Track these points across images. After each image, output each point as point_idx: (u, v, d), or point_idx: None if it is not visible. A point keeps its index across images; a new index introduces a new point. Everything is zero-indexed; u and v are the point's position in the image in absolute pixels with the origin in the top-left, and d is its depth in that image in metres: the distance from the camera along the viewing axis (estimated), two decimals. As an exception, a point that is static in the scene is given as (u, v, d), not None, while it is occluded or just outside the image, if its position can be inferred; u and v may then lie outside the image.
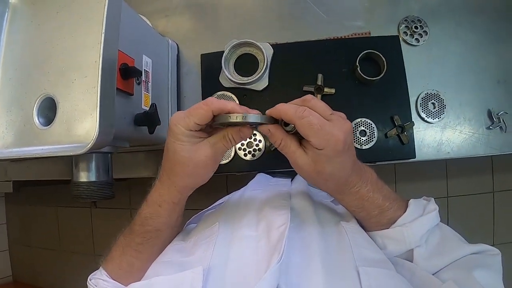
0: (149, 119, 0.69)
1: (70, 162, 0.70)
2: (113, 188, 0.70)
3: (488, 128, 0.83)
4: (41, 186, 1.92)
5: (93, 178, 0.67)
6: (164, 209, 0.53)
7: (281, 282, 0.38)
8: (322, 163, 0.44)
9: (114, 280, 0.56)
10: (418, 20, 0.87)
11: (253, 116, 0.45)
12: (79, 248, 2.18)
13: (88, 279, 0.57)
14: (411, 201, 0.53)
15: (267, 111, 0.47)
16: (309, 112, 0.42)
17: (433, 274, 0.47)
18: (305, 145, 0.46)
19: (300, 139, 0.47)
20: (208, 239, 0.49)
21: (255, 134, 0.85)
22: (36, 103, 0.62)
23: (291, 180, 0.77)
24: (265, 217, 0.51)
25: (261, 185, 0.75)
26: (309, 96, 0.46)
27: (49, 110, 0.63)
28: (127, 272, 0.55)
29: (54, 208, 2.26)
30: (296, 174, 0.78)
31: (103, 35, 0.53)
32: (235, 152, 0.85)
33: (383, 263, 0.45)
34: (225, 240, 0.48)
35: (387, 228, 0.51)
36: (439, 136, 0.84)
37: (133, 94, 0.69)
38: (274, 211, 0.52)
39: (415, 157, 0.82)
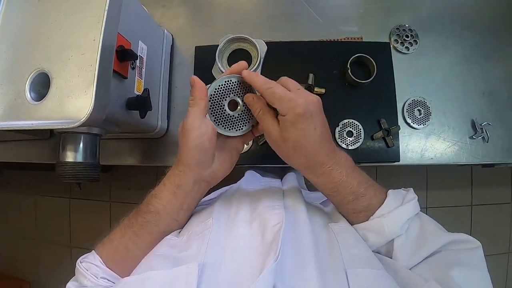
0: (142, 103, 0.69)
1: (56, 145, 0.69)
2: (99, 171, 0.69)
3: (471, 137, 0.86)
4: (23, 170, 1.88)
5: (80, 159, 0.67)
6: (166, 188, 0.54)
7: (276, 282, 0.38)
8: (287, 128, 0.48)
9: (107, 267, 0.54)
10: (410, 29, 0.90)
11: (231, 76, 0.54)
12: (55, 238, 2.15)
13: (78, 261, 0.55)
14: (390, 191, 0.53)
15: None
16: (275, 84, 0.50)
17: (414, 266, 0.48)
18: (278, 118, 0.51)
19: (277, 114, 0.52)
20: (202, 234, 0.49)
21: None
22: (29, 77, 0.62)
23: (281, 180, 0.78)
24: (260, 216, 0.51)
25: (252, 183, 0.75)
26: (284, 78, 0.53)
27: (42, 85, 0.62)
28: (122, 257, 0.54)
29: (33, 196, 2.22)
30: (284, 174, 0.80)
31: (106, 12, 0.53)
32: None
33: (372, 261, 0.45)
34: (219, 236, 0.48)
35: (366, 220, 0.52)
36: (423, 142, 0.86)
37: (127, 78, 0.69)
38: (268, 210, 0.52)
39: (399, 161, 0.84)
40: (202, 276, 0.39)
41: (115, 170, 1.86)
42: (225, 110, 0.54)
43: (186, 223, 0.58)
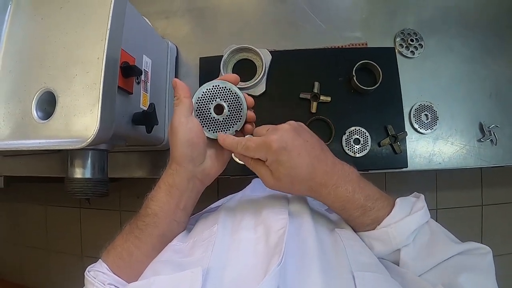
0: (148, 118, 0.69)
1: (65, 159, 0.69)
2: (108, 186, 0.70)
3: (479, 140, 0.85)
4: (32, 183, 1.90)
5: (88, 175, 0.67)
6: (162, 190, 0.55)
7: (279, 285, 0.38)
8: (276, 169, 0.50)
9: (114, 274, 0.55)
10: (414, 33, 0.89)
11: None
12: (67, 248, 2.16)
13: (86, 271, 0.55)
14: (398, 200, 0.52)
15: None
16: (246, 139, 0.52)
17: (421, 274, 0.47)
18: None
19: None
20: (207, 240, 0.49)
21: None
22: (36, 96, 0.62)
23: None
24: (264, 221, 0.51)
25: (257, 190, 0.75)
26: (255, 129, 0.57)
27: (48, 104, 0.63)
28: (126, 262, 0.54)
29: (43, 206, 2.24)
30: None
31: (108, 31, 0.53)
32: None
33: (378, 267, 0.45)
34: (224, 242, 0.48)
35: (373, 229, 0.51)
36: (431, 147, 0.86)
37: (132, 93, 0.69)
38: (272, 215, 0.52)
39: (407, 167, 0.84)
40: (206, 280, 0.39)
41: (124, 179, 1.83)
42: (210, 113, 0.56)
43: (187, 224, 0.59)
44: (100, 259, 0.57)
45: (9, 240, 2.31)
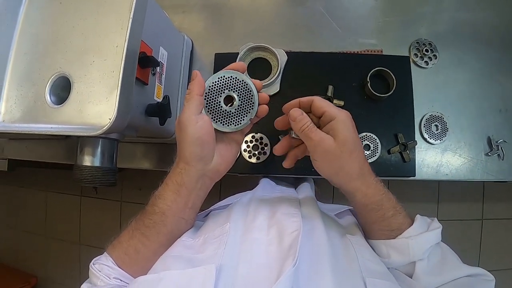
0: (162, 110, 0.69)
1: (72, 146, 0.69)
2: (117, 175, 0.69)
3: (486, 154, 0.86)
4: (35, 168, 1.89)
5: (97, 163, 0.67)
6: (169, 188, 0.53)
7: (293, 287, 0.38)
8: (341, 130, 0.50)
9: (119, 267, 0.54)
10: (429, 43, 0.89)
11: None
12: (65, 235, 2.15)
13: (91, 263, 0.55)
14: (418, 216, 0.54)
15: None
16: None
17: None
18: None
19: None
20: (219, 238, 0.49)
21: (261, 138, 0.86)
22: (50, 80, 0.62)
23: (296, 189, 0.77)
24: (277, 223, 0.51)
25: (267, 190, 0.75)
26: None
27: (61, 89, 0.62)
28: (132, 259, 0.54)
29: (44, 192, 2.23)
30: (297, 184, 0.79)
31: (130, 20, 0.53)
32: (240, 153, 0.85)
33: (387, 276, 0.46)
34: (236, 241, 0.48)
35: (393, 238, 0.52)
36: (439, 157, 0.86)
37: (147, 84, 0.69)
38: (286, 217, 0.52)
39: (415, 175, 0.84)
40: (219, 278, 0.40)
41: (127, 171, 1.83)
42: (221, 106, 0.53)
43: (195, 221, 0.59)
44: (105, 252, 0.57)
45: (7, 224, 2.31)
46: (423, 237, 0.50)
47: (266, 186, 0.78)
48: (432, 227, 0.53)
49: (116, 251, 0.56)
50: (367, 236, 0.56)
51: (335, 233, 0.53)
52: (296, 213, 0.53)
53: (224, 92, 0.53)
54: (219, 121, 0.54)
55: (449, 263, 0.51)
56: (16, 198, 2.31)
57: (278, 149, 0.59)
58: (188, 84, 0.88)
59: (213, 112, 0.53)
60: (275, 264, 0.43)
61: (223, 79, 0.53)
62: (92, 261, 0.56)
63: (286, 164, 0.59)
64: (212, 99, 0.53)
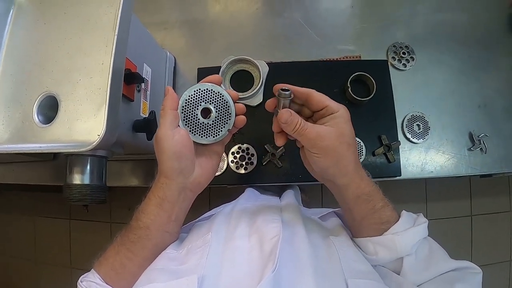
0: (148, 125, 0.70)
1: (59, 167, 0.69)
2: (107, 193, 0.69)
3: (469, 149, 0.88)
4: (21, 191, 1.86)
5: (87, 181, 0.67)
6: (152, 203, 0.54)
7: None
8: (340, 124, 0.50)
9: (107, 284, 0.54)
10: (406, 46, 0.93)
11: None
12: (55, 260, 2.11)
13: (79, 281, 0.55)
14: (404, 212, 0.54)
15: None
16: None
17: (419, 285, 0.49)
18: (315, 121, 0.53)
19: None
20: (201, 248, 0.49)
21: (248, 148, 0.87)
22: (37, 100, 0.62)
23: (280, 198, 0.79)
24: (258, 230, 0.52)
25: (251, 200, 0.76)
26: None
27: (49, 108, 0.63)
28: (118, 274, 0.54)
29: (31, 217, 2.19)
30: (283, 192, 0.81)
31: (115, 37, 0.54)
32: (228, 164, 0.86)
33: (371, 274, 0.47)
34: (218, 250, 0.49)
35: (380, 235, 0.52)
36: (423, 156, 0.88)
37: (133, 100, 0.70)
38: (266, 223, 0.53)
39: (400, 175, 0.86)
40: None
41: (115, 190, 1.82)
42: (198, 118, 0.54)
43: (179, 234, 0.59)
44: (92, 269, 0.57)
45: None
46: (409, 232, 0.51)
47: (250, 196, 0.79)
48: (418, 222, 0.53)
49: (103, 268, 0.56)
50: (356, 235, 0.56)
51: (317, 236, 0.54)
52: (276, 219, 0.54)
53: (200, 105, 0.54)
54: (197, 133, 0.54)
55: (436, 257, 0.52)
56: (3, 224, 2.26)
57: (279, 142, 0.57)
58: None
59: (191, 125, 0.54)
60: (256, 271, 0.43)
61: (199, 92, 0.54)
62: (80, 278, 0.55)
63: (279, 142, 0.57)
64: (189, 112, 0.53)
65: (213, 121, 0.54)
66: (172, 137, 0.50)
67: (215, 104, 0.54)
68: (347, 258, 0.48)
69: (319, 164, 0.52)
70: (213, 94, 0.54)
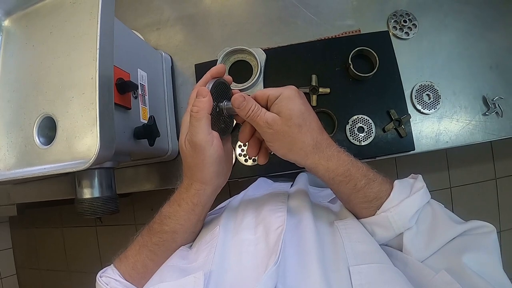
0: (149, 131, 0.70)
1: (74, 180, 0.70)
2: (118, 202, 0.70)
3: (484, 114, 0.84)
4: (45, 207, 1.92)
5: (96, 194, 0.68)
6: (183, 209, 0.53)
7: (278, 284, 0.38)
8: (286, 105, 0.47)
9: (126, 280, 0.55)
10: (407, 14, 0.88)
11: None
12: (86, 267, 2.18)
13: (98, 276, 0.56)
14: (396, 182, 0.51)
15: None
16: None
17: (425, 259, 0.46)
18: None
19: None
20: (210, 243, 0.50)
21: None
22: (36, 123, 0.63)
23: (291, 184, 0.77)
24: (263, 220, 0.51)
25: (260, 189, 0.75)
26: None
27: (49, 129, 0.63)
28: (140, 274, 0.55)
29: (59, 229, 2.26)
30: (296, 176, 0.79)
31: (98, 50, 0.53)
32: (236, 158, 0.86)
33: (377, 254, 0.45)
34: (226, 243, 0.49)
35: (374, 214, 0.50)
36: (436, 126, 0.84)
37: (130, 108, 0.69)
38: (271, 213, 0.52)
39: (414, 149, 0.82)
40: (208, 284, 0.40)
41: (135, 193, 1.85)
42: (219, 115, 0.52)
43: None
44: (112, 265, 0.58)
45: (30, 266, 2.33)
46: (404, 204, 0.48)
47: (260, 185, 0.78)
48: (415, 189, 0.50)
49: (123, 266, 0.57)
50: (356, 216, 0.53)
51: (323, 222, 0.52)
52: (281, 208, 0.53)
53: (218, 101, 0.52)
54: (220, 131, 0.52)
55: (441, 225, 0.48)
56: (32, 239, 2.34)
57: (242, 137, 0.55)
58: (174, 101, 0.89)
59: (214, 124, 0.51)
60: (262, 262, 0.43)
61: (215, 89, 0.51)
62: (99, 273, 0.57)
63: (260, 160, 0.56)
64: (213, 111, 0.51)
65: (227, 114, 0.53)
66: (212, 142, 0.48)
67: (226, 96, 0.53)
68: (351, 241, 0.46)
69: (276, 152, 0.50)
70: (224, 87, 0.53)
